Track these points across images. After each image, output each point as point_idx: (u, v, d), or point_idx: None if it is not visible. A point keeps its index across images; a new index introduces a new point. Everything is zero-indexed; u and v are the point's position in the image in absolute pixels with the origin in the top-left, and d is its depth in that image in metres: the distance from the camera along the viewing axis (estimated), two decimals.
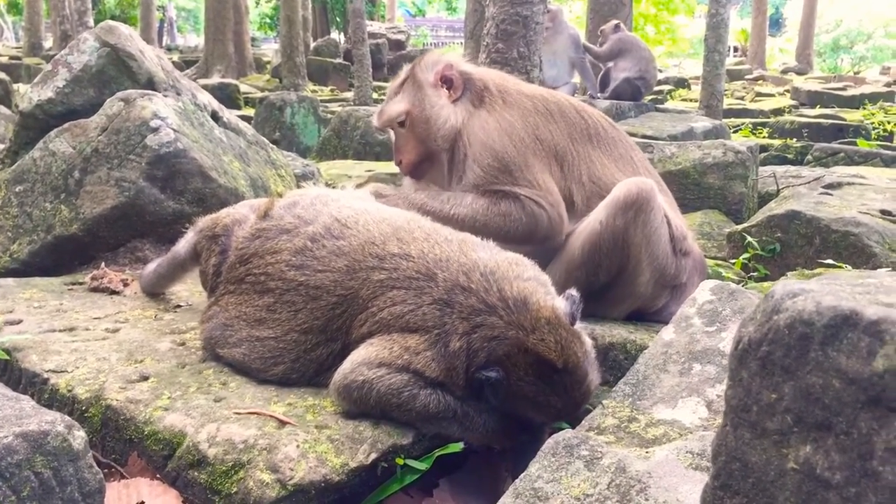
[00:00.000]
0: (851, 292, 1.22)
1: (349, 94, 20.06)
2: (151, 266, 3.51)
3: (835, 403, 1.14)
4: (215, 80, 20.88)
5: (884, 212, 5.20)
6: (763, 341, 1.24)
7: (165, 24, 53.52)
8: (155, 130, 3.81)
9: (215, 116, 4.54)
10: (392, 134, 3.72)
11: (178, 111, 4.00)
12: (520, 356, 2.32)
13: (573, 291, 2.53)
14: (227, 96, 16.65)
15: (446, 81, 3.54)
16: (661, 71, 24.69)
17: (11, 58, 28.74)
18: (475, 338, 2.35)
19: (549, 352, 2.32)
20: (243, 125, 4.85)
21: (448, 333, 2.37)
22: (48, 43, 32.99)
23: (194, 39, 58.96)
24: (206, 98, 4.66)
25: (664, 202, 3.36)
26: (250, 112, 13.04)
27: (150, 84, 4.37)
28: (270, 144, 4.99)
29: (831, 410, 1.14)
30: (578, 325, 2.49)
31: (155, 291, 3.52)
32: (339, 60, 27.12)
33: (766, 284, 4.24)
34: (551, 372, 2.33)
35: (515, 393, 2.34)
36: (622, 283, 3.31)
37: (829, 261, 4.60)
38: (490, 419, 2.42)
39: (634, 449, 2.11)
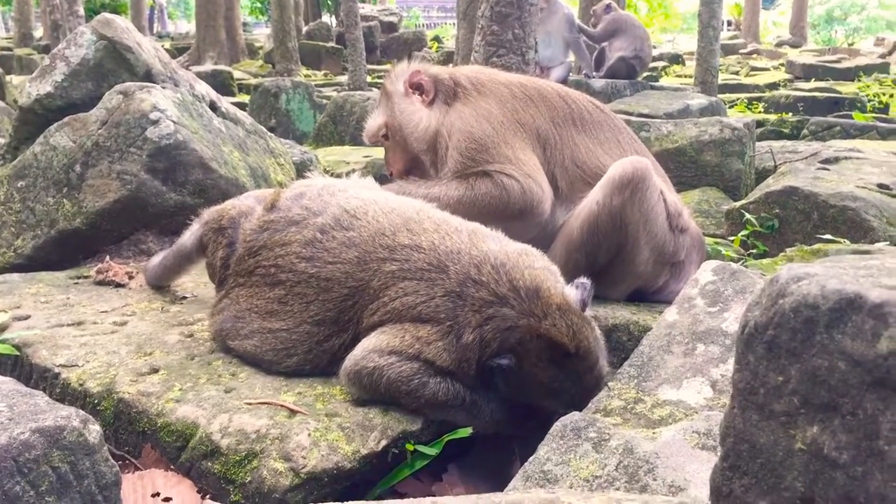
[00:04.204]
0: (854, 275, 1.25)
1: (343, 78, 19.95)
2: (157, 259, 3.52)
3: (840, 385, 1.17)
4: (208, 66, 20.73)
5: (881, 185, 5.23)
6: (769, 325, 1.27)
7: (156, 11, 53.17)
8: (155, 123, 3.81)
9: (213, 106, 4.54)
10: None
11: (177, 102, 4.00)
12: (532, 342, 2.35)
13: (584, 279, 2.57)
14: (221, 83, 16.54)
15: (417, 87, 3.65)
16: (654, 47, 24.58)
17: (2, 48, 28.57)
18: (487, 329, 2.38)
19: (562, 336, 2.35)
20: (241, 114, 4.85)
21: (461, 326, 2.40)
22: (38, 33, 32.80)
23: (185, 26, 58.58)
24: (204, 88, 4.65)
25: (658, 180, 3.39)
26: (245, 98, 13.00)
27: (148, 76, 4.37)
28: (269, 133, 4.99)
29: (837, 392, 1.17)
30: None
31: (161, 284, 3.53)
32: (331, 44, 26.97)
33: (765, 261, 4.27)
34: (564, 357, 2.36)
35: (529, 380, 2.37)
36: (622, 263, 3.34)
37: (828, 236, 4.62)
38: (497, 409, 2.46)
39: (641, 430, 2.14)
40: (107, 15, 4.39)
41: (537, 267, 2.53)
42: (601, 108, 3.69)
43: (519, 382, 2.38)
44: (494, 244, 2.59)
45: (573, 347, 2.36)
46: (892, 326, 1.11)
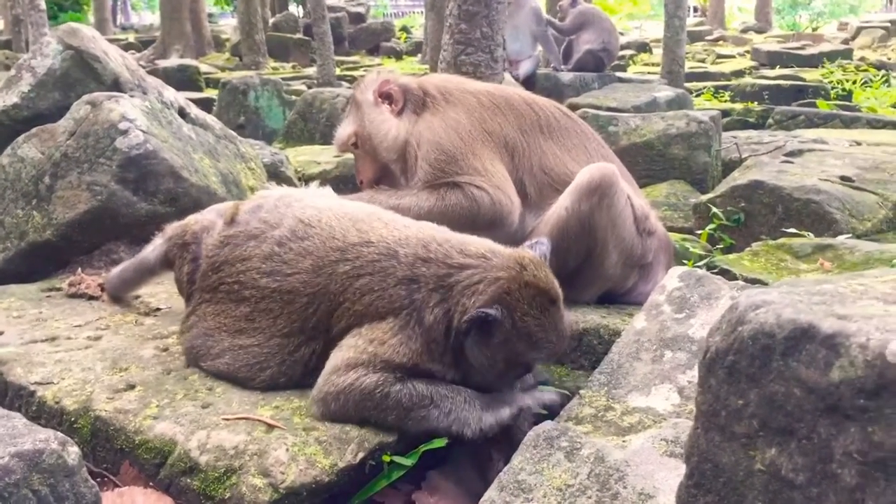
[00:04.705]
0: (809, 303, 1.31)
1: (311, 70, 19.82)
2: (117, 270, 3.50)
3: (796, 410, 1.23)
4: (175, 61, 20.46)
5: (843, 178, 5.34)
6: (729, 351, 1.33)
7: (119, 3, 52.44)
8: (124, 133, 3.80)
9: (182, 113, 4.52)
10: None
11: (146, 111, 3.99)
12: (521, 291, 2.38)
13: (540, 238, 2.66)
14: (188, 78, 16.32)
15: (386, 97, 3.69)
16: (622, 34, 24.68)
17: None
18: (452, 298, 2.41)
19: (545, 284, 2.41)
20: (211, 119, 4.84)
21: (419, 309, 2.44)
22: None
23: (149, 17, 57.80)
24: (172, 95, 4.64)
25: (625, 185, 3.46)
26: (213, 93, 12.86)
27: (116, 85, 4.35)
28: (239, 137, 4.98)
29: (793, 417, 1.23)
30: None
31: (120, 295, 3.50)
32: (299, 36, 26.71)
33: (731, 256, 4.36)
34: (549, 304, 2.42)
35: (517, 333, 2.38)
36: (591, 267, 3.40)
37: (792, 229, 4.72)
38: (470, 395, 2.46)
39: (612, 438, 2.21)
40: (72, 24, 4.38)
41: (485, 240, 2.60)
42: (568, 115, 3.75)
43: (505, 338, 2.38)
44: (443, 231, 2.66)
45: (555, 294, 2.43)
46: (844, 356, 1.17)
